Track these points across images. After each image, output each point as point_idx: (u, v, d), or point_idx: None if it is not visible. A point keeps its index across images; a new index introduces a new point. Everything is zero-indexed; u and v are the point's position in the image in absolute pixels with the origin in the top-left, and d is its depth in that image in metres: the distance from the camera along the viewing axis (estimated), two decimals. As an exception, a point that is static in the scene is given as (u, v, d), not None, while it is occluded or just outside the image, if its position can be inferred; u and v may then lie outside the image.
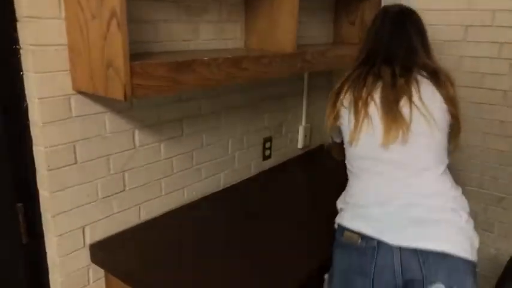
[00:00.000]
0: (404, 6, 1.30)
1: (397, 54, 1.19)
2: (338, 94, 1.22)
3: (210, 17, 1.46)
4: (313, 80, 2.09)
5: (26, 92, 1.08)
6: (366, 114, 1.13)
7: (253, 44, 1.61)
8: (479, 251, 1.08)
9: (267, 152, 1.90)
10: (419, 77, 1.15)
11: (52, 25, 1.05)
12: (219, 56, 1.21)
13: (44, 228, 1.19)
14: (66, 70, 1.10)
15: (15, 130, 1.10)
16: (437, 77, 1.15)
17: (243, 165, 1.78)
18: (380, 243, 1.06)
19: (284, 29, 1.49)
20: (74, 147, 1.17)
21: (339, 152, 1.32)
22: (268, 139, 1.89)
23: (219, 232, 1.37)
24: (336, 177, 1.88)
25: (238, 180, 1.78)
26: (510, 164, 1.81)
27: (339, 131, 1.25)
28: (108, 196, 1.29)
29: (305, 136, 2.10)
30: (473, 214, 1.74)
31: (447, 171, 1.15)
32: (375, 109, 1.13)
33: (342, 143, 1.25)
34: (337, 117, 1.22)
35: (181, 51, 1.36)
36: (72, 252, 1.22)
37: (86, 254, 1.25)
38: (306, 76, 2.03)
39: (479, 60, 1.79)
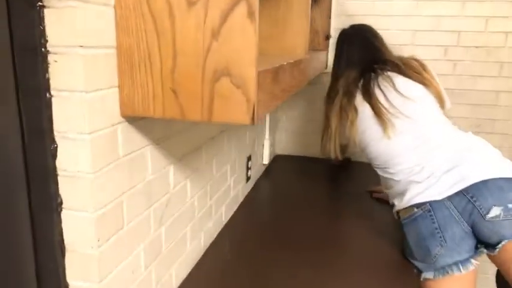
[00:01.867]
0: (356, 24, 1.58)
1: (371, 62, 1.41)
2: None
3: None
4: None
5: (56, 126, 0.65)
6: None
7: (250, 49, 1.37)
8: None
9: (249, 173, 1.66)
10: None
11: (100, 15, 0.65)
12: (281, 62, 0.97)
13: None
14: (115, 86, 0.71)
15: (37, 193, 0.66)
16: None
17: (235, 192, 1.51)
18: (432, 203, 1.15)
19: (296, 32, 1.30)
20: (122, 203, 0.76)
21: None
22: (249, 158, 1.66)
23: (254, 277, 1.11)
24: (311, 183, 1.81)
25: (233, 211, 1.50)
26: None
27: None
28: (149, 266, 0.90)
29: (269, 150, 1.93)
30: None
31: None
32: None
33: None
34: None
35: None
36: None
37: None
38: (269, 85, 1.86)
39: (426, 62, 1.93)
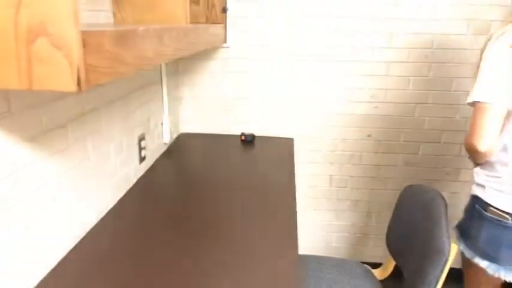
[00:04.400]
0: None
1: None
2: None
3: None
4: (167, 66, 1.85)
5: None
6: None
7: (127, 18, 1.28)
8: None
9: (143, 153, 1.58)
10: None
11: None
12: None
13: None
14: None
15: None
16: None
17: (124, 174, 1.42)
18: None
19: (175, 0, 1.24)
20: None
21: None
22: (142, 137, 1.57)
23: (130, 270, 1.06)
24: (214, 160, 1.77)
25: (122, 194, 1.41)
26: (358, 125, 2.08)
27: None
28: (-5, 258, 0.80)
29: (170, 128, 1.85)
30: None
31: None
32: None
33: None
34: None
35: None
36: None
37: None
38: (163, 60, 1.76)
39: (324, 35, 1.96)
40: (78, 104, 1.08)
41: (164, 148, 1.87)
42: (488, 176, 1.23)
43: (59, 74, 0.59)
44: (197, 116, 2.13)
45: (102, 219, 1.24)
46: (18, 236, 0.87)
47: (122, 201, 1.36)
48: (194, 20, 1.95)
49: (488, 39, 1.15)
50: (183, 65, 2.07)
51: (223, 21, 1.96)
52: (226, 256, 1.07)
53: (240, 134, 2.10)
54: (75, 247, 1.09)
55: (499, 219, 1.19)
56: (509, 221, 1.18)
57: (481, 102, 1.12)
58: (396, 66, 1.97)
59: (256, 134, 2.09)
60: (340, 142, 2.11)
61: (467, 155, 1.24)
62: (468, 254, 1.30)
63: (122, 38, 0.74)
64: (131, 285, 0.96)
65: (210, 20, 1.96)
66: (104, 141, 1.25)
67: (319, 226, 2.27)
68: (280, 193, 1.48)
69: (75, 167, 1.09)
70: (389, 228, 1.64)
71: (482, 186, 1.24)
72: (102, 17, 1.20)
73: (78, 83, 0.60)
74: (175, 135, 2.07)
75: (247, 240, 1.15)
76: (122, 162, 1.40)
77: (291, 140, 2.08)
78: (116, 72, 0.74)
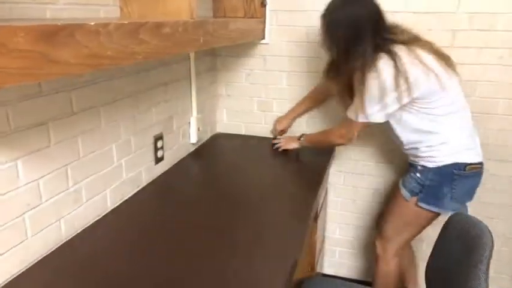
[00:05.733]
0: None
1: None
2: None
3: (71, -29, 1.01)
4: (199, 62, 1.77)
5: None
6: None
7: (133, 13, 1.21)
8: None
9: (160, 153, 1.52)
10: None
11: None
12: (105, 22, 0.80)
13: None
14: None
15: None
16: None
17: (132, 175, 1.37)
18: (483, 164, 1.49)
19: (179, -8, 1.14)
20: None
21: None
22: (160, 137, 1.51)
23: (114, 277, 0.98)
24: (241, 171, 1.66)
25: (129, 195, 1.36)
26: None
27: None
28: None
29: (198, 129, 1.77)
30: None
31: None
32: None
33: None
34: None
35: (37, 20, 0.90)
36: None
37: None
38: (192, 57, 1.69)
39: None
40: (63, 102, 1.03)
41: (191, 148, 1.79)
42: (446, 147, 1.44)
43: None
44: (233, 115, 2.03)
45: (91, 227, 1.18)
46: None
47: (123, 205, 1.31)
48: (232, 13, 1.85)
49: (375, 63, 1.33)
50: (221, 62, 1.97)
51: (263, 16, 1.82)
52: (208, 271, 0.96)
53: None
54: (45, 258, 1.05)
55: (476, 169, 1.45)
56: (480, 167, 1.47)
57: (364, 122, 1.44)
58: (460, 69, 1.66)
59: (294, 138, 1.92)
60: (389, 152, 1.86)
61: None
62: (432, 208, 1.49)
63: (52, 34, 0.65)
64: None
65: (249, 14, 1.84)
66: (103, 142, 1.20)
67: (361, 245, 2.04)
68: (300, 207, 1.31)
69: (59, 169, 1.04)
70: (428, 262, 1.38)
71: (457, 152, 1.43)
72: (103, 11, 1.14)
73: (-42, 87, 0.52)
74: (210, 135, 1.99)
75: (238, 256, 1.02)
76: (129, 164, 1.34)
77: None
78: (43, 74, 0.65)
